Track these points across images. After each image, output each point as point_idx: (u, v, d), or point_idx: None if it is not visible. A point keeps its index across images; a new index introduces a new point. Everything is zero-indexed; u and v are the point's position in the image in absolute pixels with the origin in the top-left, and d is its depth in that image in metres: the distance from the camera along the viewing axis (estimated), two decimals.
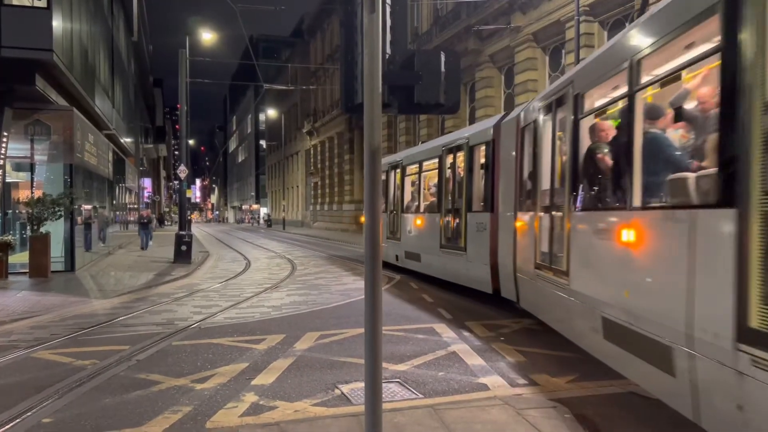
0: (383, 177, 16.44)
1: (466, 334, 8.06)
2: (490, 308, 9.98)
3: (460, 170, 11.49)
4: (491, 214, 9.88)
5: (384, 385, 5.34)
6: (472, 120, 27.82)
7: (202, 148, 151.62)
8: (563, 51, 21.48)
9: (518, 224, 8.48)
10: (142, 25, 38.20)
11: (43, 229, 14.00)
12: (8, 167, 15.16)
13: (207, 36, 27.10)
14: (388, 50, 3.70)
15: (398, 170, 15.57)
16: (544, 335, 7.89)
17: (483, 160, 10.54)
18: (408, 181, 15.23)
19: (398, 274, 15.44)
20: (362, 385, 5.09)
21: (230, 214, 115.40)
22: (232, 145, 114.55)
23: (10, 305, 10.17)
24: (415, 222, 14.06)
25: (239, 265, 19.10)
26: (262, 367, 6.38)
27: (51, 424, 4.76)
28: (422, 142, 33.48)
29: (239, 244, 32.86)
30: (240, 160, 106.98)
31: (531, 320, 8.78)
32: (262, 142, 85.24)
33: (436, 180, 13.12)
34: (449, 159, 12.09)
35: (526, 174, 8.22)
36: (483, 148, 10.51)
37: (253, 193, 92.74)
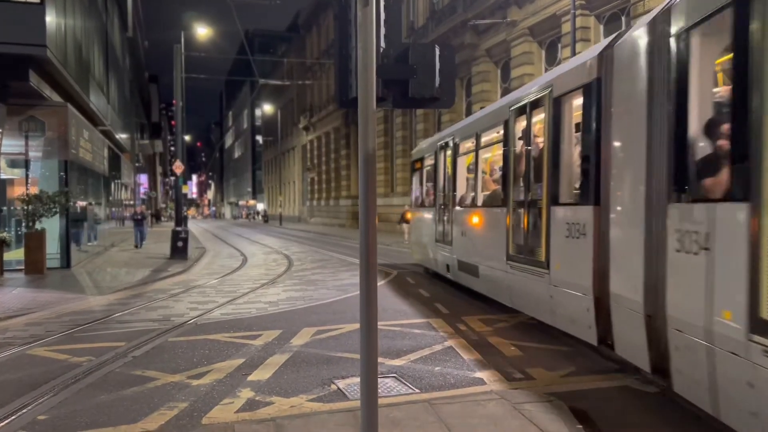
0: (431, 161, 13.32)
1: (462, 328, 8.06)
2: (487, 304, 9.97)
3: (539, 140, 7.45)
4: (594, 207, 5.95)
5: (380, 380, 5.35)
6: (469, 115, 27.81)
7: (199, 143, 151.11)
8: (559, 45, 21.45)
9: (672, 225, 4.37)
10: (137, 20, 38.04)
11: (38, 226, 13.95)
12: (3, 164, 15.11)
13: (202, 31, 27.01)
14: (383, 44, 3.67)
15: (448, 150, 11.66)
16: (541, 330, 7.89)
17: (579, 118, 6.53)
18: (461, 163, 11.26)
19: (396, 269, 15.44)
20: (358, 380, 5.10)
21: (227, 210, 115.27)
22: (229, 140, 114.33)
23: (6, 302, 10.13)
24: (470, 220, 10.20)
25: (236, 261, 19.08)
26: (259, 363, 6.37)
27: (46, 421, 4.74)
28: (419, 139, 33.73)
29: (236, 240, 32.83)
30: (236, 155, 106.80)
31: (528, 316, 8.77)
32: (259, 138, 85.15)
33: (501, 159, 9.19)
34: (520, 124, 7.99)
35: (692, 126, 4.24)
36: (578, 97, 6.42)
37: (249, 189, 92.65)
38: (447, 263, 11.79)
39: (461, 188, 11.27)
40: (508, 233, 8.26)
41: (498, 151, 9.60)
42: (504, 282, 8.53)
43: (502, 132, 8.84)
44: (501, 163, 9.25)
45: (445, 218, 11.81)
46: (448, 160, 11.72)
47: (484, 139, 9.98)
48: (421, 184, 14.61)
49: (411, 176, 16.65)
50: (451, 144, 11.54)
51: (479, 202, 10.07)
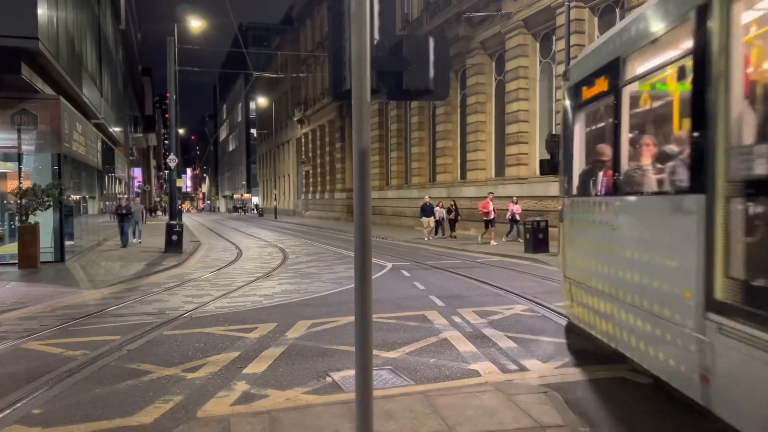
0: (638, 68, 4.84)
1: (457, 320, 8.08)
2: (482, 296, 10.00)
3: None
4: None
5: (375, 372, 5.35)
6: (464, 109, 27.78)
7: (193, 137, 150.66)
8: (554, 37, 21.43)
9: None
10: (130, 12, 37.77)
11: (32, 220, 13.88)
12: None
13: (196, 24, 26.84)
14: (377, 36, 3.65)
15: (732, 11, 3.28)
16: (536, 322, 7.92)
17: None
18: None
19: (390, 262, 15.43)
20: (353, 372, 5.10)
21: (221, 204, 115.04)
22: (223, 134, 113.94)
23: (0, 296, 10.10)
24: None
25: (231, 255, 19.06)
26: (254, 356, 6.37)
27: (41, 414, 4.73)
28: (413, 131, 33.56)
29: (231, 233, 32.77)
30: (231, 149, 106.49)
31: (522, 306, 8.82)
32: (253, 131, 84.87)
33: None
34: None
35: None
36: None
37: (244, 183, 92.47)
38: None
39: None
40: None
41: None
42: None
43: None
44: None
45: (730, 231, 3.42)
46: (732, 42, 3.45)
47: None
48: (595, 138, 6.09)
49: (565, 128, 6.67)
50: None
51: None
